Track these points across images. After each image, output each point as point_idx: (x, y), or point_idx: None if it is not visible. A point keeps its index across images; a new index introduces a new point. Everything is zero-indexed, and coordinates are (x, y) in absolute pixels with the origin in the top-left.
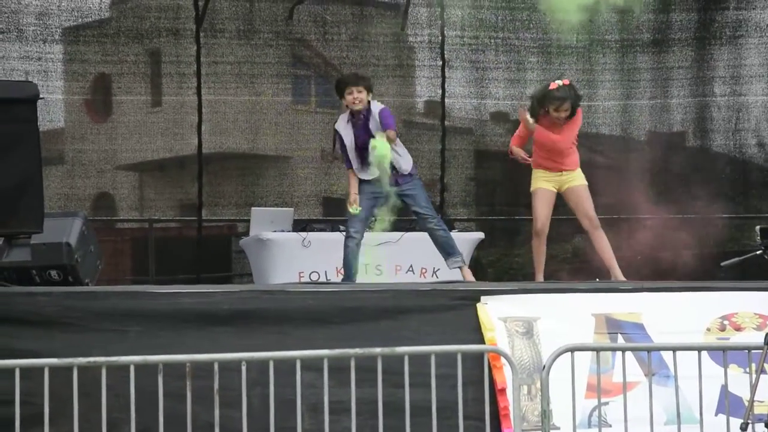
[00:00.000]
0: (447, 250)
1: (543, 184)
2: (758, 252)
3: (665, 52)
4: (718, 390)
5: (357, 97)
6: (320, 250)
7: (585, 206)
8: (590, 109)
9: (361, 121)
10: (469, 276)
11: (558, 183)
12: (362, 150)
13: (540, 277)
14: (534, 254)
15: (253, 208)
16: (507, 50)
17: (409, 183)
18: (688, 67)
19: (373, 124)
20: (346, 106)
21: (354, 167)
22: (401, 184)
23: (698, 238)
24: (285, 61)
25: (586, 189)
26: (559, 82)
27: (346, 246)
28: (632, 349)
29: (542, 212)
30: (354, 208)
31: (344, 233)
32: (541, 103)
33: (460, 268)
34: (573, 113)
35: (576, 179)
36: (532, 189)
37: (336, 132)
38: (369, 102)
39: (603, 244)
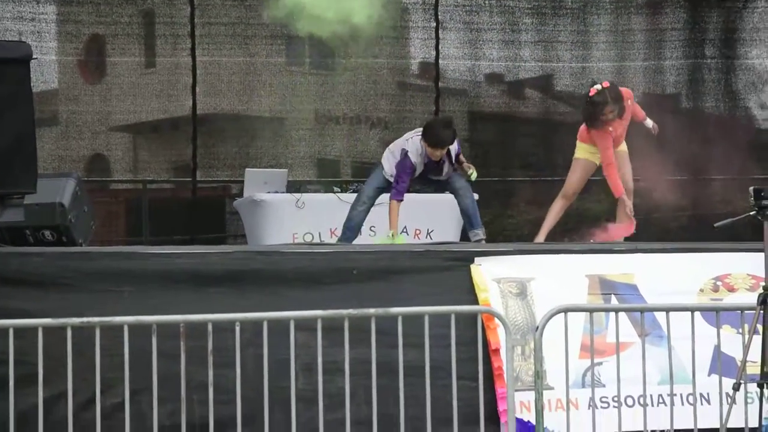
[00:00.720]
0: (471, 220)
1: (582, 154)
2: (751, 213)
3: (659, 14)
4: (711, 350)
5: (440, 154)
6: (314, 211)
7: (625, 169)
8: (584, 71)
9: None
10: None
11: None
12: (423, 179)
13: (542, 236)
14: (550, 210)
15: (247, 170)
16: (501, 11)
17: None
18: (681, 29)
19: (447, 162)
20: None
21: (402, 192)
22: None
23: (691, 200)
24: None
25: (627, 155)
26: (598, 87)
27: (355, 209)
28: (625, 310)
29: (575, 179)
30: (393, 237)
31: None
32: (588, 112)
33: (480, 241)
34: (621, 113)
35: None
36: (575, 156)
37: (407, 157)
38: None
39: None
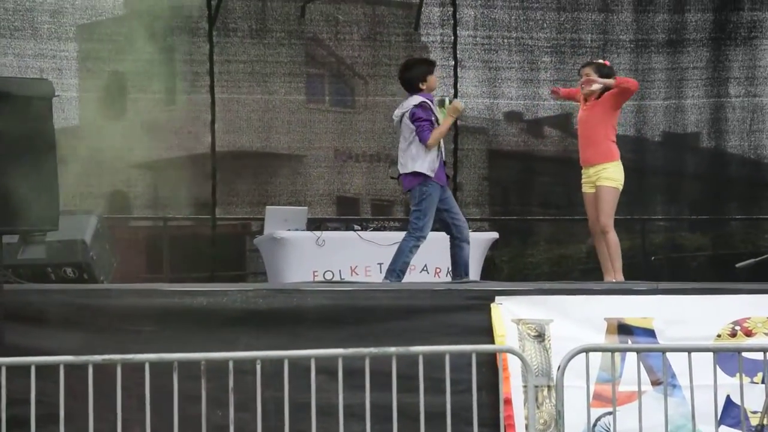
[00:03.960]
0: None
1: (584, 188)
2: None
3: (680, 53)
4: (723, 399)
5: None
6: (334, 249)
7: (597, 208)
8: None
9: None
10: None
11: (592, 182)
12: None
13: (608, 276)
14: (599, 255)
15: (267, 207)
16: (520, 50)
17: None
18: (703, 68)
19: None
20: (423, 89)
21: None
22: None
23: (713, 240)
24: (298, 60)
25: (607, 191)
26: (599, 61)
27: (414, 246)
28: (647, 350)
29: (589, 213)
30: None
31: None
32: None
33: None
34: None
35: (602, 179)
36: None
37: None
38: None
39: (610, 249)
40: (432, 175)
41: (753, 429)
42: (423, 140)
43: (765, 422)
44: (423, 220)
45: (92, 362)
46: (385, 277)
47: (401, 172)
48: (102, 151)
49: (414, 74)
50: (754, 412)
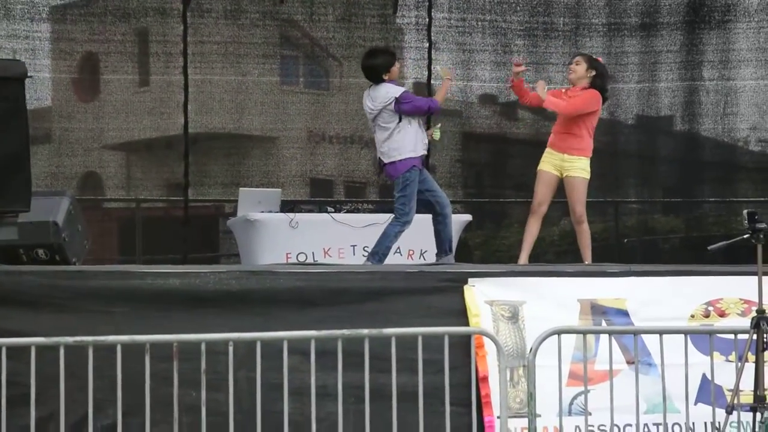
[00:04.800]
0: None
1: (545, 166)
2: (745, 236)
3: (653, 36)
4: (699, 378)
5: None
6: (308, 231)
7: (572, 198)
8: None
9: None
10: None
11: (560, 167)
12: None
13: (524, 257)
14: (525, 232)
15: (240, 189)
16: (493, 33)
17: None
18: (677, 51)
19: None
20: (389, 78)
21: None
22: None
23: (685, 222)
24: (272, 41)
25: (582, 182)
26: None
27: (400, 231)
28: (619, 332)
29: (539, 191)
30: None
31: (397, 214)
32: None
33: None
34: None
35: (574, 169)
36: (538, 168)
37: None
38: None
39: (581, 240)
40: (423, 152)
41: (744, 408)
42: (433, 107)
43: (735, 402)
44: (408, 205)
45: (64, 344)
46: (367, 260)
47: (386, 161)
48: (74, 132)
49: (379, 62)
50: (730, 390)
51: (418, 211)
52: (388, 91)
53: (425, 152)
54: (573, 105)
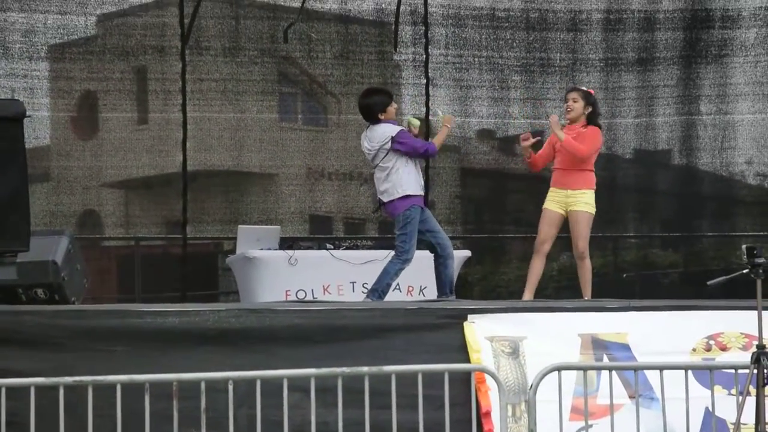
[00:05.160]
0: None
1: (550, 205)
2: (744, 271)
3: (650, 71)
4: (702, 412)
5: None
6: (307, 268)
7: (575, 233)
8: None
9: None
10: None
11: (565, 204)
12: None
13: (528, 295)
14: (529, 270)
15: (239, 226)
16: (490, 69)
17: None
18: (674, 86)
19: None
20: (382, 118)
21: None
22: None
23: (684, 257)
24: (270, 78)
25: (586, 217)
26: (583, 88)
27: (400, 269)
28: (619, 368)
29: (543, 230)
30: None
31: (399, 251)
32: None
33: None
34: (591, 122)
35: (578, 203)
36: (543, 207)
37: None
38: None
39: (583, 275)
40: (421, 193)
41: None
42: (430, 151)
43: None
44: (409, 243)
45: (63, 384)
46: (367, 297)
47: (386, 200)
48: (73, 171)
49: (374, 101)
50: (733, 423)
51: (419, 248)
52: (384, 131)
53: (422, 192)
54: (588, 148)
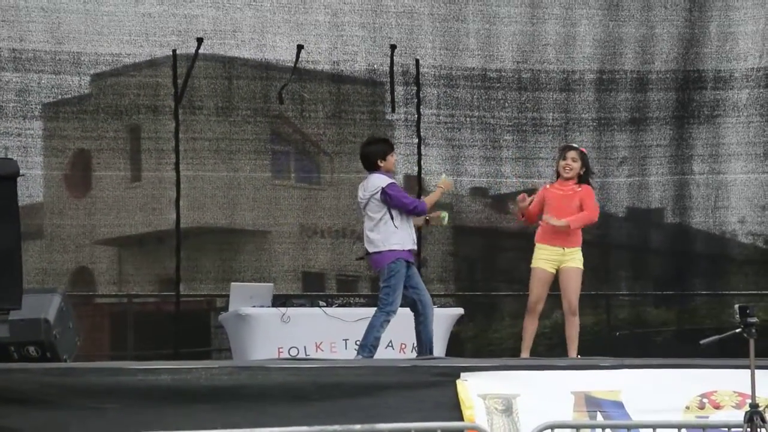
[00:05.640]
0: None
1: (542, 264)
2: (737, 330)
3: (643, 131)
4: None
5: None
6: (300, 325)
7: (569, 289)
8: None
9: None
10: None
11: (557, 262)
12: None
13: (526, 353)
14: (523, 330)
15: (232, 284)
16: (482, 128)
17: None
18: (667, 146)
19: None
20: (382, 167)
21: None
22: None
23: (677, 315)
24: (263, 137)
25: (579, 273)
26: (574, 145)
27: (385, 321)
28: (612, 427)
29: (536, 290)
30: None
31: (383, 307)
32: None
33: None
34: (582, 180)
35: (573, 260)
36: (532, 265)
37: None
38: None
39: (572, 332)
40: (411, 248)
41: None
42: (419, 209)
43: None
44: (393, 296)
45: None
46: (357, 353)
47: (371, 250)
48: (66, 228)
49: (374, 150)
50: None
51: (402, 305)
52: (376, 181)
53: (414, 247)
54: (593, 213)
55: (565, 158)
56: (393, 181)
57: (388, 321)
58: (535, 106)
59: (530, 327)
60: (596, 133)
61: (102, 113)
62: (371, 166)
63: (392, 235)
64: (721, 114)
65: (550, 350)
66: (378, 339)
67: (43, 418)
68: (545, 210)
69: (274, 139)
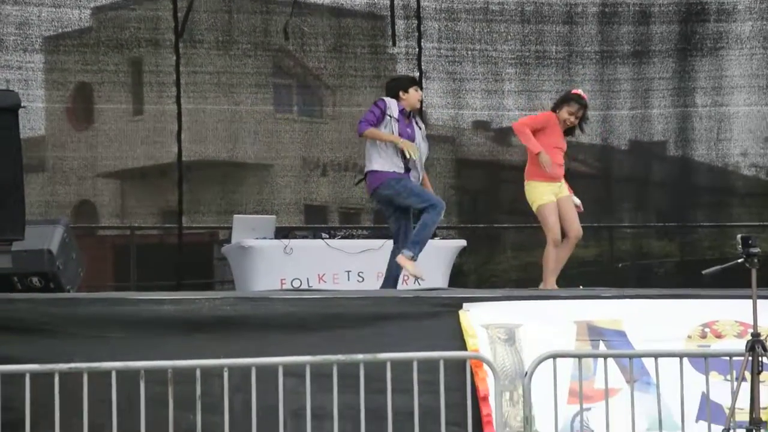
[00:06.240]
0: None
1: (551, 198)
2: (739, 260)
3: (646, 64)
4: (698, 397)
5: (420, 95)
6: (302, 257)
7: (572, 217)
8: None
9: (409, 120)
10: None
11: (556, 193)
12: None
13: (552, 281)
14: (549, 261)
15: (235, 216)
16: (484, 62)
17: None
18: (669, 78)
19: (416, 128)
20: (400, 102)
21: (369, 121)
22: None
23: (680, 247)
24: (264, 71)
25: (571, 201)
26: (581, 92)
27: (436, 217)
28: (614, 356)
29: (556, 223)
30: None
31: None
32: (563, 101)
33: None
34: (571, 130)
35: (563, 190)
36: (540, 203)
37: (385, 104)
38: None
39: (568, 254)
40: (395, 170)
41: (743, 425)
42: (359, 129)
43: (731, 425)
44: (423, 196)
45: (58, 371)
46: (408, 249)
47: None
48: (68, 161)
49: (397, 83)
50: (729, 408)
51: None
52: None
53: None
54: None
55: (571, 112)
56: (384, 101)
57: (441, 215)
58: (538, 38)
59: (558, 256)
60: (599, 66)
61: (103, 46)
62: (394, 96)
63: (374, 159)
64: (724, 46)
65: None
66: (428, 237)
67: (46, 347)
68: (541, 139)
69: (276, 73)
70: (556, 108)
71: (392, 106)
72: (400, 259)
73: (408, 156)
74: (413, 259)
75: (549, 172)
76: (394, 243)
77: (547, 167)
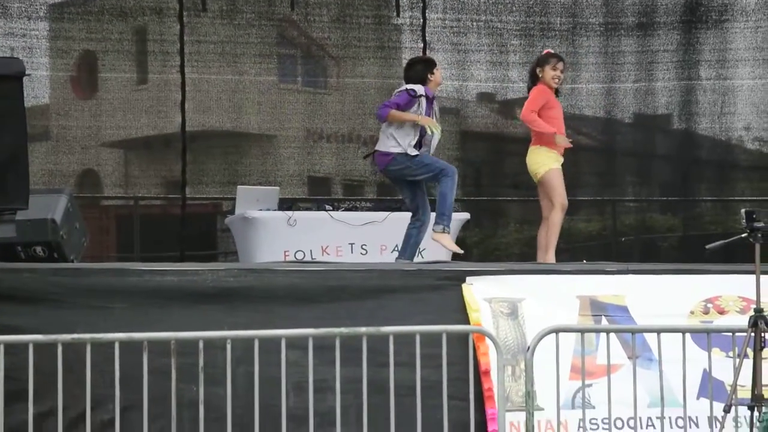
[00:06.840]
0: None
1: (557, 164)
2: (743, 235)
3: (650, 36)
4: (700, 374)
5: (440, 75)
6: (306, 229)
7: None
8: (573, 92)
9: (429, 101)
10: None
11: (559, 161)
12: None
13: (552, 253)
14: (555, 230)
15: (238, 187)
16: (489, 33)
17: None
18: (674, 51)
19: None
20: (428, 84)
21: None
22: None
23: (683, 221)
24: (268, 41)
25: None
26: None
27: (452, 182)
28: (617, 331)
29: (564, 188)
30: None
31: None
32: (541, 64)
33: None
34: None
35: (559, 161)
36: (547, 169)
37: (415, 91)
38: None
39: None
40: (406, 151)
41: (744, 401)
42: (380, 114)
43: (732, 402)
44: (435, 165)
45: (62, 341)
46: (437, 222)
47: (377, 148)
48: (72, 130)
49: (425, 66)
50: (731, 385)
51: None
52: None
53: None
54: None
55: (555, 69)
56: (406, 89)
57: (456, 180)
58: (543, 10)
59: (561, 221)
60: (603, 38)
61: (107, 14)
62: (421, 82)
63: (390, 141)
64: (729, 19)
65: (556, 257)
66: (452, 204)
67: (50, 317)
68: (548, 116)
69: (280, 43)
70: (537, 78)
71: (420, 90)
72: (435, 236)
73: (430, 132)
74: (445, 231)
75: (565, 146)
76: (413, 216)
77: (564, 144)
